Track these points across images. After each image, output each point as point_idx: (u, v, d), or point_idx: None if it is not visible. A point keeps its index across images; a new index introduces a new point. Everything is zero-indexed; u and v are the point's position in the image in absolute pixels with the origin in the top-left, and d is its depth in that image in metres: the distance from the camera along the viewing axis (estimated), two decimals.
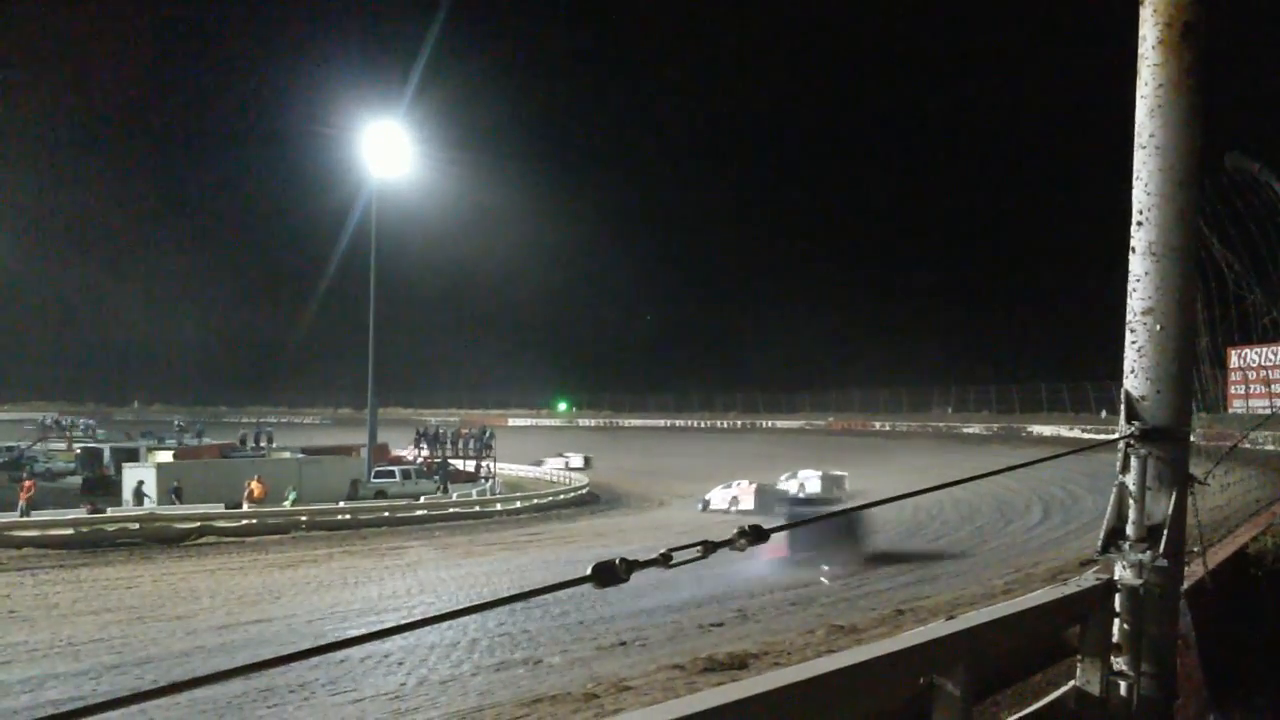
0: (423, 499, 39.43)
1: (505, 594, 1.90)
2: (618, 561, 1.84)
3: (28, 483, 36.30)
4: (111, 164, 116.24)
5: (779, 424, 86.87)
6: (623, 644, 12.76)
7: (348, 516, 33.26)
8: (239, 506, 33.37)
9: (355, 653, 11.80)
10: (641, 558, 1.89)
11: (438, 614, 1.98)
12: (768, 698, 2.09)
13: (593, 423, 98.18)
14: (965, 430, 71.55)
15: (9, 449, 55.31)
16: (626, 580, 1.83)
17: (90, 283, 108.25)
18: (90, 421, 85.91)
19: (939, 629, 2.86)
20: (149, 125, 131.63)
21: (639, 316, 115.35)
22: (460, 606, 2.02)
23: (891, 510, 29.68)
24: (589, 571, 1.84)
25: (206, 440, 64.77)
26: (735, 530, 2.09)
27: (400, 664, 11.83)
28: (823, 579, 17.65)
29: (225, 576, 21.40)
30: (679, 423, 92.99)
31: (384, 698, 10.47)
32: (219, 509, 31.94)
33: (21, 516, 29.98)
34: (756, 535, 2.11)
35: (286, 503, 35.56)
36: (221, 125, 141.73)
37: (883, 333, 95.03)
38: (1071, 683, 3.36)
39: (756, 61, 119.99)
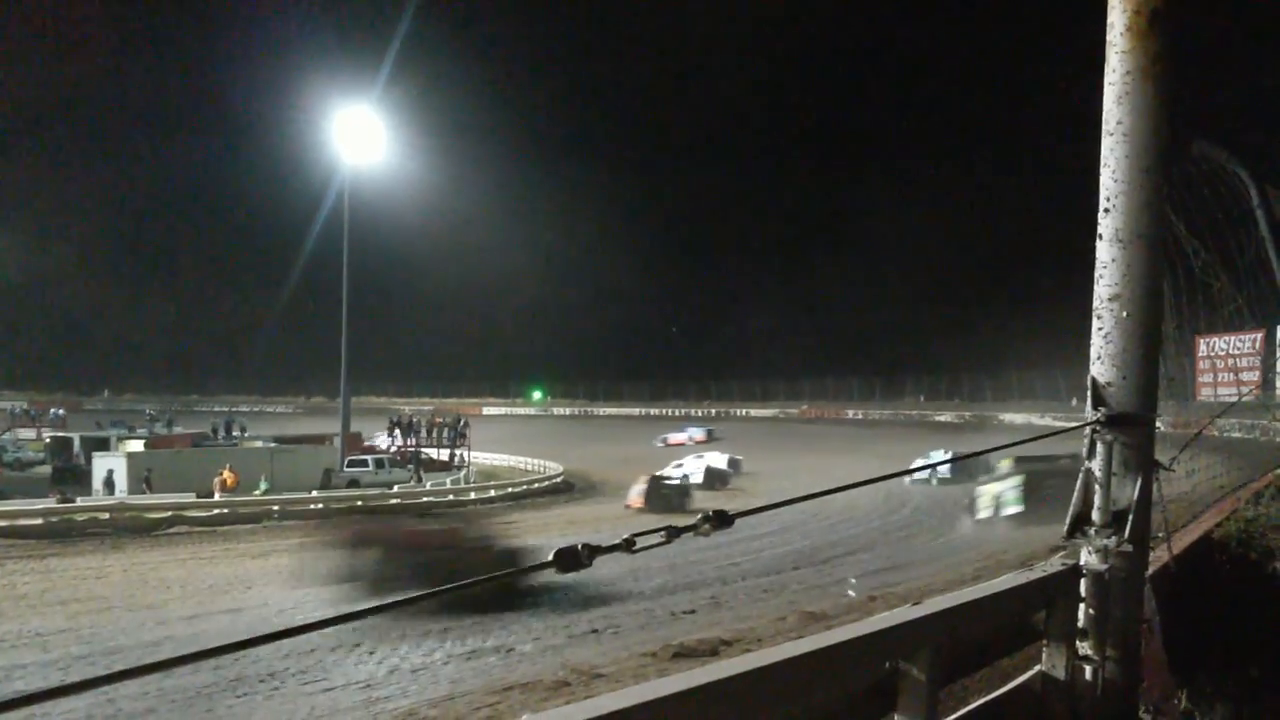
0: (396, 488, 39.27)
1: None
2: (580, 546, 1.83)
3: None
4: (80, 150, 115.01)
5: (753, 412, 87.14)
6: (595, 631, 12.78)
7: (320, 506, 33.07)
8: (210, 496, 33.13)
9: (325, 641, 11.74)
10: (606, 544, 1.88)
11: (406, 596, 1.96)
12: (734, 681, 2.09)
13: (567, 411, 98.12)
14: (937, 418, 72.06)
15: None
16: (589, 565, 1.82)
17: (59, 270, 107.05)
18: (60, 411, 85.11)
19: (906, 614, 2.87)
20: (119, 110, 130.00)
21: (613, 304, 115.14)
22: (428, 590, 2.00)
23: (864, 496, 29.85)
24: (550, 557, 1.82)
25: (178, 429, 64.30)
26: (699, 516, 2.09)
27: (371, 653, 11.78)
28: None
29: (196, 566, 21.25)
30: (654, 411, 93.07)
31: (355, 686, 10.44)
32: (190, 498, 31.67)
33: None
34: (720, 520, 2.11)
35: (258, 492, 35.35)
36: (192, 110, 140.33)
37: (859, 320, 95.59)
38: (1038, 667, 3.38)
39: (728, 48, 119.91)
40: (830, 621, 11.48)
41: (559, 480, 45.86)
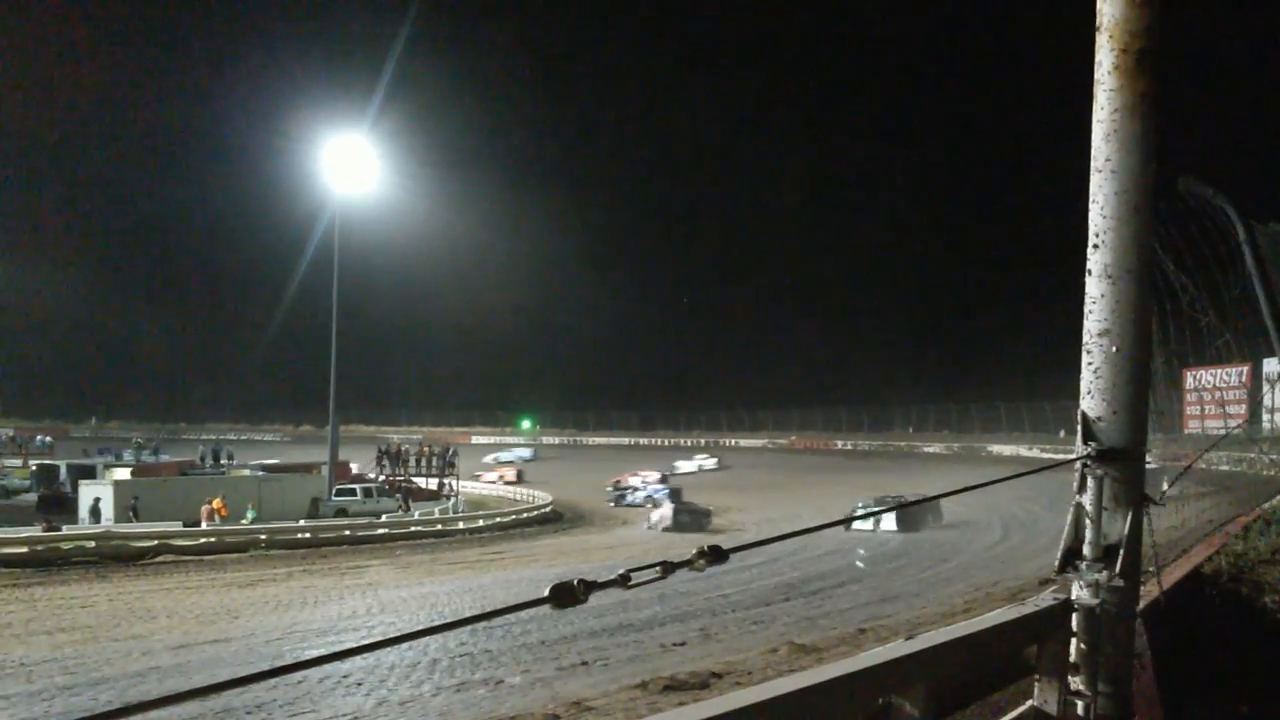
0: (384, 517, 39.08)
1: (467, 614, 1.89)
2: (576, 583, 1.83)
3: None
4: (70, 177, 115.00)
5: (742, 442, 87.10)
6: (584, 664, 12.69)
7: (308, 535, 32.87)
8: (197, 525, 32.93)
9: (313, 673, 11.65)
10: (601, 577, 1.88)
11: (398, 635, 1.96)
12: (730, 717, 2.08)
13: (556, 440, 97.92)
14: (926, 450, 72.11)
15: None
16: (585, 601, 1.82)
17: (48, 298, 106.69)
18: (47, 438, 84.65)
19: (898, 649, 2.87)
20: (111, 138, 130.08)
21: (603, 334, 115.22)
22: (420, 627, 2.00)
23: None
24: (547, 593, 1.82)
25: (165, 457, 64.00)
26: (694, 551, 2.09)
27: (359, 685, 11.69)
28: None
29: (182, 595, 21.09)
30: (643, 441, 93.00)
31: (343, 719, 10.35)
32: (177, 527, 31.48)
33: None
34: (715, 556, 2.11)
35: (245, 521, 35.15)
36: (184, 139, 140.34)
37: (846, 352, 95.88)
38: (1029, 702, 3.37)
39: (719, 81, 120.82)
40: (821, 654, 11.44)
41: (548, 510, 45.73)
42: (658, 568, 2.00)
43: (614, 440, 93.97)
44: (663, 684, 10.03)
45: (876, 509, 32.16)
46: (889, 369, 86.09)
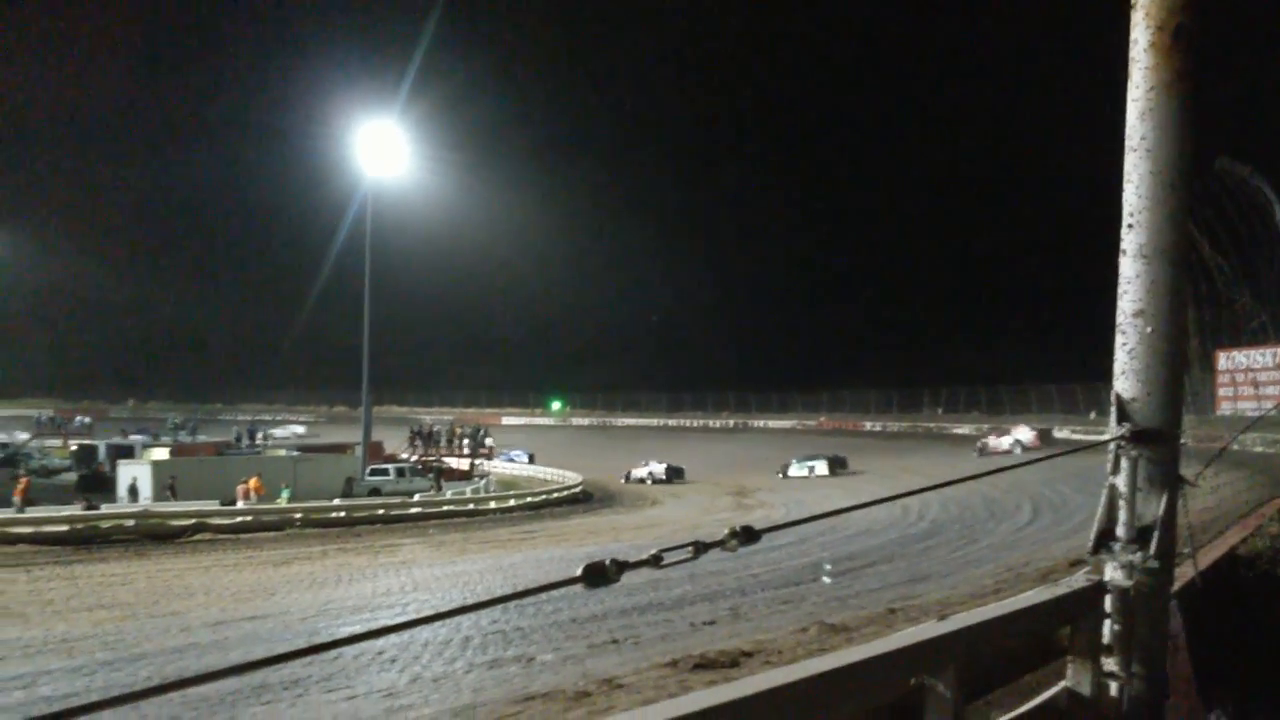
0: (417, 497, 39.38)
1: (499, 592, 1.92)
2: (608, 562, 1.85)
3: (23, 479, 36.29)
4: (107, 161, 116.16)
5: (771, 424, 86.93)
6: (615, 642, 12.74)
7: (342, 514, 33.20)
8: (233, 504, 33.33)
9: (348, 650, 11.78)
10: (632, 557, 1.89)
11: (431, 613, 1.99)
12: (759, 698, 2.10)
13: (585, 422, 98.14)
14: (955, 430, 71.66)
15: (3, 446, 55.17)
16: (617, 581, 1.84)
17: (86, 280, 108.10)
18: (86, 419, 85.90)
19: (930, 629, 2.87)
20: (145, 123, 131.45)
21: (633, 316, 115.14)
22: (453, 605, 2.02)
23: (882, 509, 29.74)
24: (579, 572, 1.84)
25: (202, 437, 64.78)
26: (726, 531, 2.10)
27: (393, 661, 11.80)
28: (825, 578, 17.12)
29: (219, 573, 21.36)
30: (671, 422, 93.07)
31: (377, 694, 10.45)
32: (214, 506, 31.88)
33: (16, 513, 29.93)
34: (747, 536, 2.12)
35: (281, 500, 35.53)
36: (217, 124, 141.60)
37: (876, 333, 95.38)
38: (1063, 683, 3.37)
39: (756, 57, 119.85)
40: (851, 633, 11.43)
41: (578, 490, 45.91)
42: (689, 548, 2.02)
43: (643, 421, 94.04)
44: (693, 662, 10.06)
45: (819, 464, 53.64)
46: (919, 350, 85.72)
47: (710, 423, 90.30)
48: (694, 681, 9.23)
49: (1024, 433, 56.05)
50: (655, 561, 1.94)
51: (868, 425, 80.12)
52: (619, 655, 11.88)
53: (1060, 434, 57.48)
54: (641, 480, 54.97)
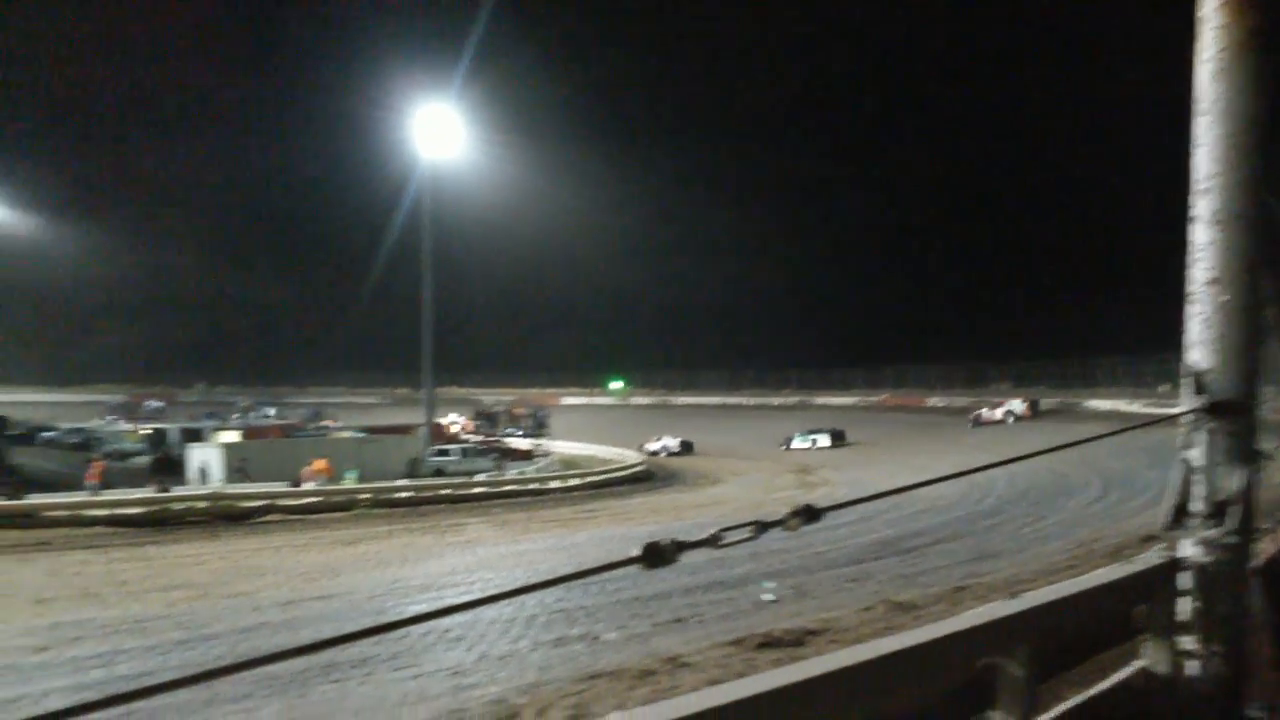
0: (480, 477, 39.79)
1: (562, 570, 1.92)
2: (668, 542, 1.83)
3: (98, 463, 37.30)
4: (173, 147, 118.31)
5: (832, 400, 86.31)
6: (679, 620, 12.77)
7: (409, 494, 33.68)
8: (300, 485, 33.95)
9: (415, 628, 11.94)
10: (693, 536, 1.88)
11: (497, 592, 1.99)
12: (827, 679, 2.07)
13: (646, 401, 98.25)
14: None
15: (79, 430, 56.67)
16: (676, 561, 1.82)
17: (156, 268, 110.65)
18: (157, 403, 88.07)
19: (1001, 608, 2.82)
20: (209, 107, 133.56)
21: (695, 295, 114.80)
22: (517, 585, 2.02)
23: (947, 485, 29.36)
24: (639, 552, 1.83)
25: (270, 412, 66.04)
26: (787, 510, 2.07)
27: (460, 639, 11.95)
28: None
29: (289, 553, 21.76)
30: (731, 401, 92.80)
31: (444, 672, 10.59)
32: (283, 487, 32.52)
33: (92, 495, 30.77)
34: (809, 515, 2.09)
35: (347, 481, 36.11)
36: (278, 107, 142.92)
37: (942, 310, 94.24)
38: (1138, 663, 3.29)
39: (813, 33, 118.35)
40: (919, 612, 11.33)
41: (639, 469, 46.03)
42: (750, 527, 1.99)
43: (703, 400, 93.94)
44: (758, 640, 10.05)
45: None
46: (984, 326, 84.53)
47: (770, 400, 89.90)
48: (759, 660, 9.22)
49: (1016, 404, 63.31)
50: (714, 541, 1.92)
51: (930, 401, 79.21)
52: (683, 633, 11.91)
53: (1130, 408, 56.52)
54: (654, 454, 58.00)
